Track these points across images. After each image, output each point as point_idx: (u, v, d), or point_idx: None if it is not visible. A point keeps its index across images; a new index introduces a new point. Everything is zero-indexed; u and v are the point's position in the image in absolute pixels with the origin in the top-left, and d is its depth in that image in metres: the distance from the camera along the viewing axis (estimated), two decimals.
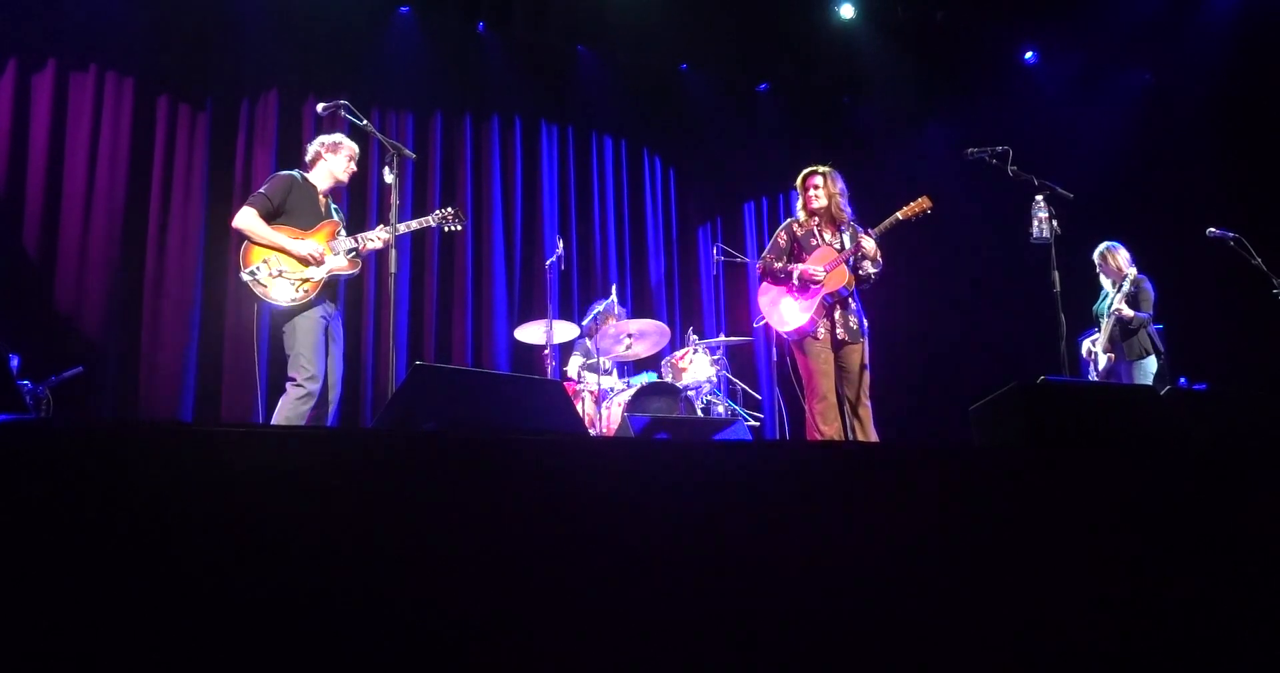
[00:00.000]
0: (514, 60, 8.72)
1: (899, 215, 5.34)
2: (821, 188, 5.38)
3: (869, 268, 5.35)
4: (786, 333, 5.29)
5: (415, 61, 8.25)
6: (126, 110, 7.04)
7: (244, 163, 7.35)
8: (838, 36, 9.52)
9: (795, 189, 5.53)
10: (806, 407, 5.21)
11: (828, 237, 5.39)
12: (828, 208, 5.38)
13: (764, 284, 5.43)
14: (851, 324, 5.27)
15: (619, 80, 9.26)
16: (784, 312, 5.28)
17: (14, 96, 6.65)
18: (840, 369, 5.23)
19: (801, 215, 5.47)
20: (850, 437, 5.19)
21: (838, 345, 5.22)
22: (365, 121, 5.08)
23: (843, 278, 5.27)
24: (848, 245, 5.32)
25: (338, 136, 5.36)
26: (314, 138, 5.58)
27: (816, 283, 5.23)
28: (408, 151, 5.18)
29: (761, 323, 5.52)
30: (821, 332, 5.20)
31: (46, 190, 6.69)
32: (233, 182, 7.29)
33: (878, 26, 9.52)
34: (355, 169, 5.45)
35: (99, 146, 6.91)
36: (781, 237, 5.44)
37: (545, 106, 8.91)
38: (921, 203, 5.33)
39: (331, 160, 5.28)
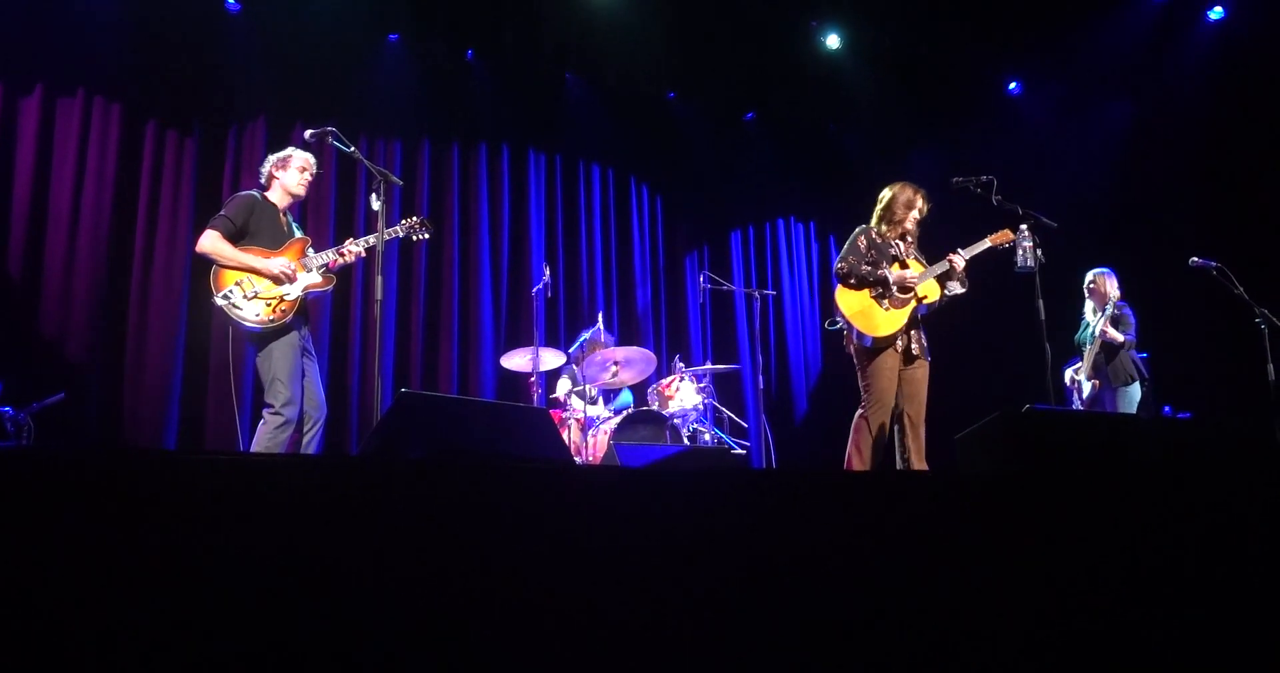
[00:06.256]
0: (502, 88, 8.76)
1: (989, 242, 5.28)
2: (921, 212, 5.34)
3: (956, 288, 5.26)
4: (869, 341, 5.12)
5: (404, 89, 8.27)
6: (113, 135, 7.04)
7: (231, 189, 7.30)
8: (824, 66, 9.60)
9: (880, 200, 5.39)
10: (863, 414, 5.10)
11: (904, 250, 5.34)
12: (912, 228, 5.38)
13: (843, 288, 5.24)
14: (923, 341, 5.22)
15: (607, 108, 9.31)
16: (876, 318, 5.13)
17: (0, 121, 6.64)
18: (904, 384, 5.15)
19: (880, 226, 5.34)
20: (902, 457, 5.13)
21: (908, 360, 5.16)
22: (353, 149, 5.04)
23: (935, 291, 5.22)
24: (918, 263, 5.29)
25: (287, 151, 5.22)
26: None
27: (910, 290, 5.16)
28: (395, 178, 5.12)
29: (836, 326, 5.36)
30: (900, 343, 5.13)
31: (31, 215, 6.66)
32: (219, 208, 7.22)
33: (863, 56, 9.60)
34: (310, 180, 5.28)
35: (85, 171, 6.90)
36: (861, 241, 5.27)
37: (533, 134, 8.94)
38: (1006, 234, 5.29)
39: (283, 177, 5.15)
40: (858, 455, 5.11)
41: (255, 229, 4.98)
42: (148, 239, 7.08)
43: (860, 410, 5.16)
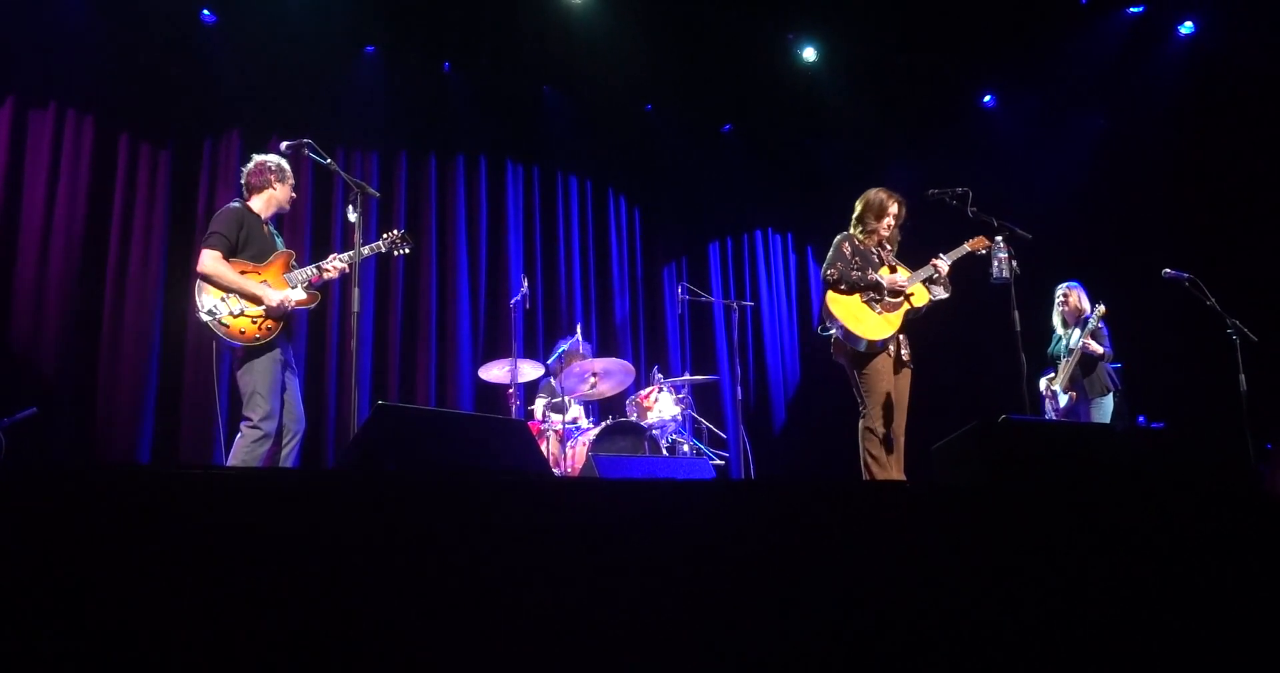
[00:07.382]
0: (480, 100, 8.75)
1: (968, 247, 5.35)
2: (896, 217, 5.38)
3: (940, 293, 5.29)
4: (863, 344, 5.11)
5: (380, 101, 8.25)
6: (86, 148, 6.97)
7: (205, 202, 7.28)
8: (800, 79, 9.65)
9: (858, 208, 5.43)
10: (866, 422, 5.09)
11: (884, 256, 5.37)
12: (891, 234, 5.41)
13: (834, 294, 5.23)
14: (909, 348, 5.23)
15: (585, 120, 9.32)
16: (869, 322, 5.13)
17: None
18: (891, 392, 5.15)
19: (859, 234, 5.37)
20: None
21: (897, 367, 5.17)
22: (329, 160, 5.01)
23: (924, 296, 5.25)
24: (903, 269, 5.31)
25: (281, 160, 5.18)
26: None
27: (900, 294, 5.19)
28: (372, 191, 5.09)
29: (828, 332, 5.33)
30: (891, 349, 5.14)
31: (3, 228, 6.59)
32: (194, 221, 7.20)
33: (840, 69, 9.65)
34: (295, 196, 5.34)
35: (58, 184, 6.83)
36: (845, 247, 5.29)
37: (511, 146, 8.94)
38: (983, 239, 5.35)
39: (280, 189, 5.13)
40: (875, 463, 5.08)
41: (243, 242, 4.93)
42: (121, 252, 7.02)
43: (862, 419, 5.14)
